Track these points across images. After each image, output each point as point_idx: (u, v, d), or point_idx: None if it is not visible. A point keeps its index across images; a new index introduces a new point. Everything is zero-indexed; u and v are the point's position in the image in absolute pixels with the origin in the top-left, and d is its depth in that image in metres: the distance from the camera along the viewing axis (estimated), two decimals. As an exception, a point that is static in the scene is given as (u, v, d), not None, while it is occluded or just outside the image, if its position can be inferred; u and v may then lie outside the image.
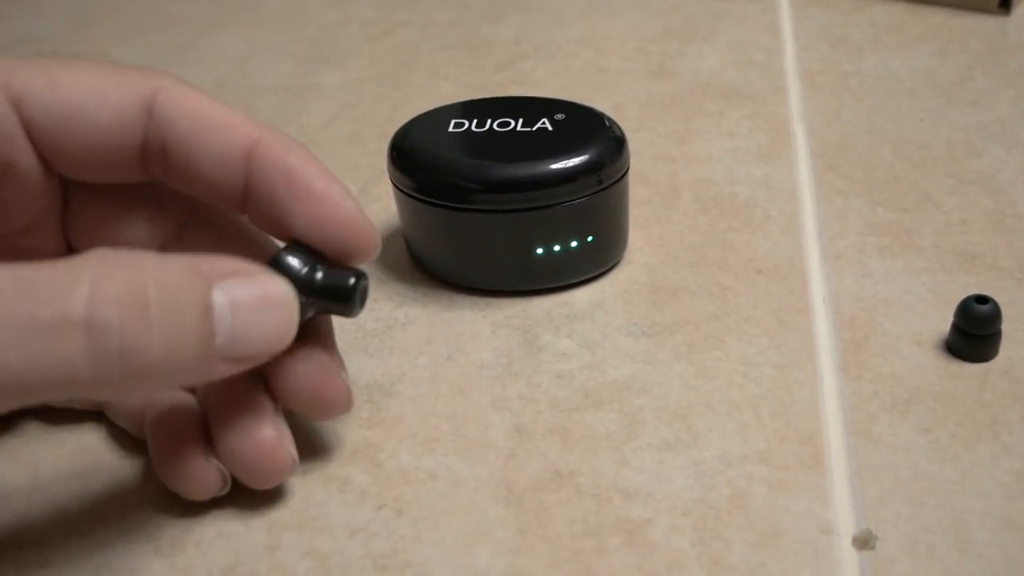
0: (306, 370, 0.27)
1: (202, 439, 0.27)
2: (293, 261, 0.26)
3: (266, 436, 0.26)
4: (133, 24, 0.59)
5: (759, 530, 0.26)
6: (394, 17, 0.57)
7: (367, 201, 0.40)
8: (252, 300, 0.24)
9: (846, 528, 0.26)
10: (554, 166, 0.32)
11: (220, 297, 0.23)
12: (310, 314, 0.27)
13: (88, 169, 0.27)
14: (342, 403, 0.27)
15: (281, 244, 0.27)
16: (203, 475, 0.27)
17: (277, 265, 0.26)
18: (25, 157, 0.26)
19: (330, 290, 0.26)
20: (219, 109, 0.27)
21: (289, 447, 0.27)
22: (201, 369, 0.23)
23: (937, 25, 0.51)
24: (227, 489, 0.27)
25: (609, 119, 0.35)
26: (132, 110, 0.26)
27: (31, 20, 0.61)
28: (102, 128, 0.26)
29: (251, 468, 0.27)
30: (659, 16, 0.55)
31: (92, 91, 0.25)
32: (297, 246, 0.27)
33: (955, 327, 0.31)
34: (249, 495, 0.28)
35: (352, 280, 0.27)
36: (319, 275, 0.26)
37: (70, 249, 0.29)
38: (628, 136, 0.35)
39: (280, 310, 0.24)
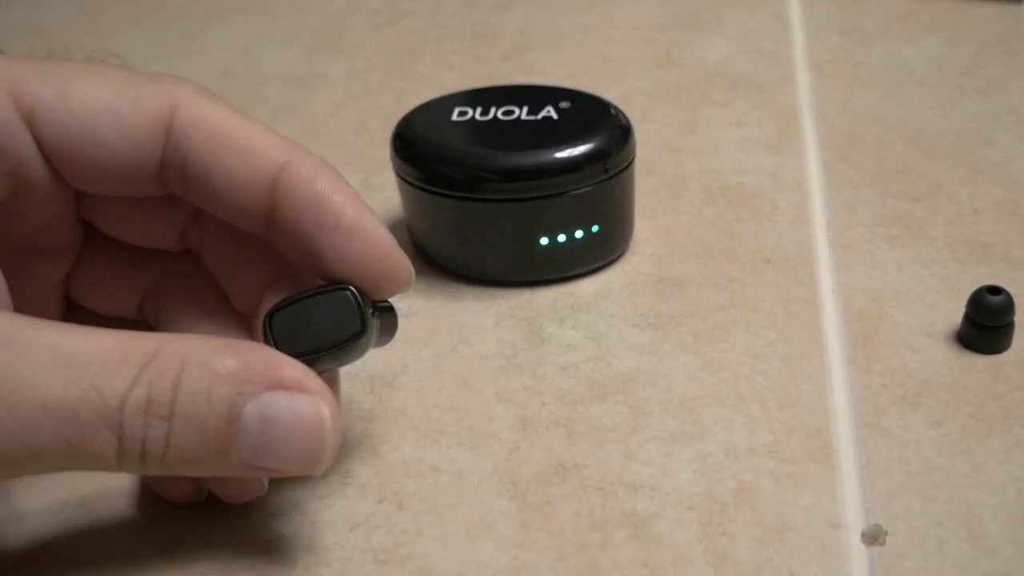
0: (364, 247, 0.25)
1: None
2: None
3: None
4: (138, 14, 0.59)
5: (766, 524, 0.26)
6: (400, 6, 0.57)
7: (370, 192, 0.40)
8: (285, 422, 0.22)
9: (855, 523, 0.26)
10: (559, 155, 0.32)
11: (252, 411, 0.22)
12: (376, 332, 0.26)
13: (103, 185, 0.25)
14: (405, 270, 0.26)
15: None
16: (183, 484, 0.27)
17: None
18: (40, 173, 0.25)
19: (386, 323, 0.26)
20: (242, 128, 0.25)
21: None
22: (222, 470, 0.23)
23: (948, 13, 0.51)
24: (203, 497, 0.27)
25: (615, 108, 0.34)
26: (148, 131, 0.24)
27: (36, 10, 0.60)
28: (116, 149, 0.24)
29: (224, 488, 0.27)
30: (667, 5, 0.54)
31: (106, 110, 0.24)
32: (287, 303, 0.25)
33: (967, 318, 0.30)
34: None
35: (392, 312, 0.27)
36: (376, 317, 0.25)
37: (87, 234, 0.28)
38: (634, 126, 0.35)
39: (312, 437, 0.23)
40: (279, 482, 0.28)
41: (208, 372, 0.22)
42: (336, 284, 0.25)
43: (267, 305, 0.27)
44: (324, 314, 0.24)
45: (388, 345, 0.32)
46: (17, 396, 0.21)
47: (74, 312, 0.28)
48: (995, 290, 0.30)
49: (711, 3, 0.54)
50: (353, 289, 0.24)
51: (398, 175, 0.34)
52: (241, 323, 0.28)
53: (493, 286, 0.34)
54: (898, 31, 0.50)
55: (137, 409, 0.21)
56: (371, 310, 0.25)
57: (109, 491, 0.28)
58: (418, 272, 0.35)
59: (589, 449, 0.28)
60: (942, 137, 0.41)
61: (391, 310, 0.27)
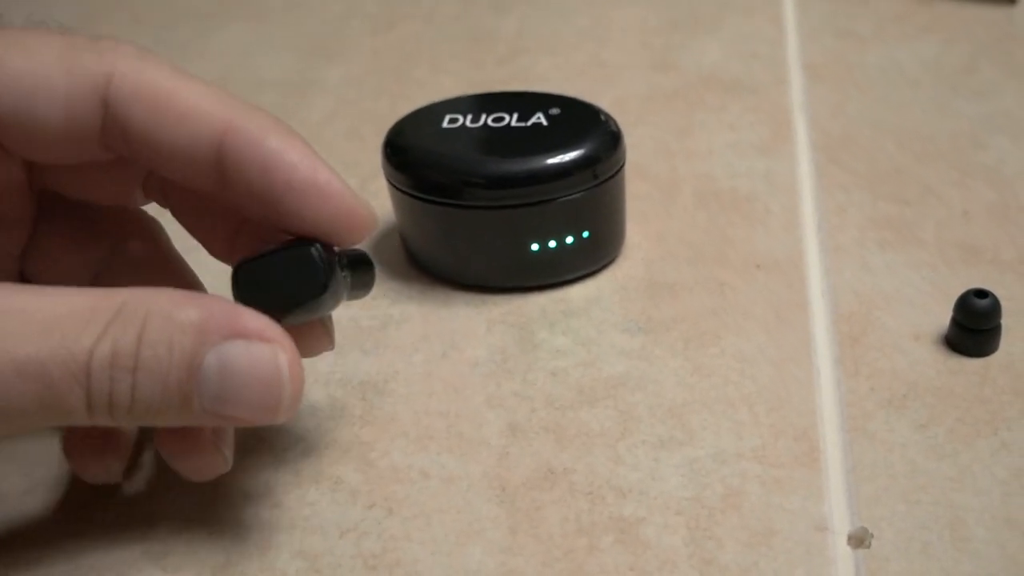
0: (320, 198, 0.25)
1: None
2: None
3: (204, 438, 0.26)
4: (138, 18, 0.59)
5: (752, 529, 0.26)
6: (397, 11, 0.57)
7: (365, 197, 0.40)
8: (242, 367, 0.23)
9: (841, 526, 0.26)
10: (549, 161, 0.32)
11: (212, 360, 0.23)
12: (347, 281, 0.26)
13: (47, 154, 0.25)
14: (366, 219, 0.26)
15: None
16: (210, 461, 0.27)
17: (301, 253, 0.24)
18: None
19: (359, 276, 0.26)
20: (182, 92, 0.24)
21: (225, 451, 0.27)
22: (184, 419, 0.23)
23: (943, 15, 0.51)
24: (228, 468, 0.27)
25: (605, 113, 0.35)
26: (84, 102, 0.24)
27: (35, 14, 0.61)
28: (53, 121, 0.24)
29: (188, 465, 0.27)
30: (663, 8, 0.54)
31: (40, 83, 0.24)
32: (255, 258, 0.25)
33: (954, 321, 0.31)
34: (242, 495, 0.28)
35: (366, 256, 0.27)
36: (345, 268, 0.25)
37: (42, 208, 0.28)
38: (628, 130, 0.35)
39: (270, 384, 0.23)
40: (268, 488, 0.28)
41: (170, 323, 0.22)
42: (302, 240, 0.25)
43: (238, 254, 0.27)
44: (289, 270, 0.24)
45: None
46: None
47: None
48: (982, 293, 0.30)
49: (706, 5, 0.54)
50: (318, 246, 0.24)
51: (389, 182, 0.34)
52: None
53: (484, 292, 0.34)
54: (892, 33, 0.50)
55: (103, 363, 0.22)
56: (340, 265, 0.25)
57: (99, 494, 0.28)
58: (409, 279, 0.36)
59: (578, 454, 0.28)
60: (935, 140, 0.41)
61: (366, 263, 0.27)
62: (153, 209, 0.30)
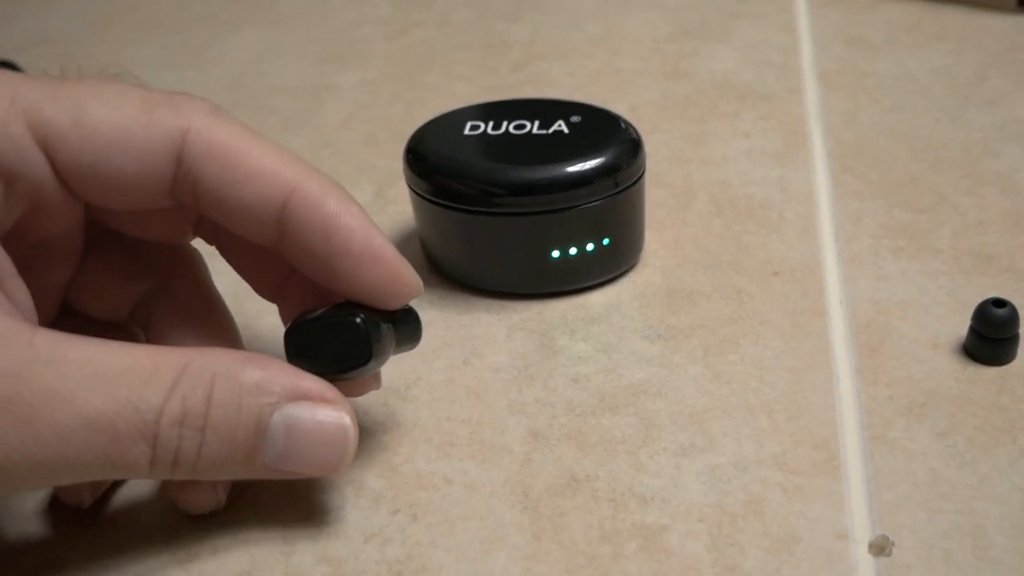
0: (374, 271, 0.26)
1: None
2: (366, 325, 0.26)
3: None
4: (150, 24, 0.59)
5: (774, 536, 0.26)
6: (410, 16, 0.57)
7: (383, 204, 0.40)
8: (309, 429, 0.25)
9: (862, 534, 0.26)
10: (570, 169, 0.32)
11: (278, 420, 0.24)
12: (391, 351, 0.27)
13: (116, 201, 0.26)
14: (413, 286, 0.27)
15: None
16: (202, 496, 0.27)
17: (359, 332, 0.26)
18: (54, 193, 0.25)
19: (405, 324, 0.28)
20: (252, 152, 0.26)
21: (220, 492, 0.28)
22: (246, 473, 0.25)
23: (954, 24, 0.51)
24: (221, 507, 0.28)
25: (625, 121, 0.35)
26: (160, 156, 0.25)
27: (48, 20, 0.61)
28: (129, 173, 0.25)
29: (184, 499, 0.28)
30: (675, 15, 0.55)
31: (118, 136, 0.25)
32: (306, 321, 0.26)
33: (972, 330, 0.31)
34: (266, 501, 0.28)
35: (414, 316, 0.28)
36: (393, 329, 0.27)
37: (89, 239, 0.28)
38: (643, 138, 0.35)
39: (336, 443, 0.25)
40: (292, 494, 0.28)
41: (237, 384, 0.24)
42: (350, 308, 0.26)
43: (285, 299, 0.29)
44: (338, 338, 0.26)
45: (401, 356, 0.32)
46: (58, 412, 0.22)
47: (67, 316, 0.29)
48: (1000, 303, 0.30)
49: (718, 13, 0.54)
50: (363, 317, 0.26)
51: (411, 189, 0.35)
52: (227, 338, 0.29)
53: (505, 298, 0.35)
54: (904, 42, 0.50)
55: (173, 422, 0.23)
56: (392, 321, 0.27)
57: (125, 500, 0.28)
58: (431, 284, 0.36)
59: (600, 461, 0.29)
60: (948, 148, 0.41)
61: (412, 320, 0.28)
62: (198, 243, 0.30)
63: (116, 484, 0.29)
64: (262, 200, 0.26)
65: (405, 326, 0.28)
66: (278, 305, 0.30)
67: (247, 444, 0.24)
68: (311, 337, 0.26)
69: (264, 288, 0.30)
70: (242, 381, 0.24)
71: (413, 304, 0.29)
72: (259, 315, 0.34)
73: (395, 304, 0.27)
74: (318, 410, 0.25)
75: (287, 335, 0.26)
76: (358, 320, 0.26)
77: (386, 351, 0.27)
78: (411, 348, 0.29)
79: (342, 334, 0.26)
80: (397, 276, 0.26)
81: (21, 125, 0.24)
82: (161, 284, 0.29)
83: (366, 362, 0.26)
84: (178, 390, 0.23)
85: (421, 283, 0.27)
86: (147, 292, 0.29)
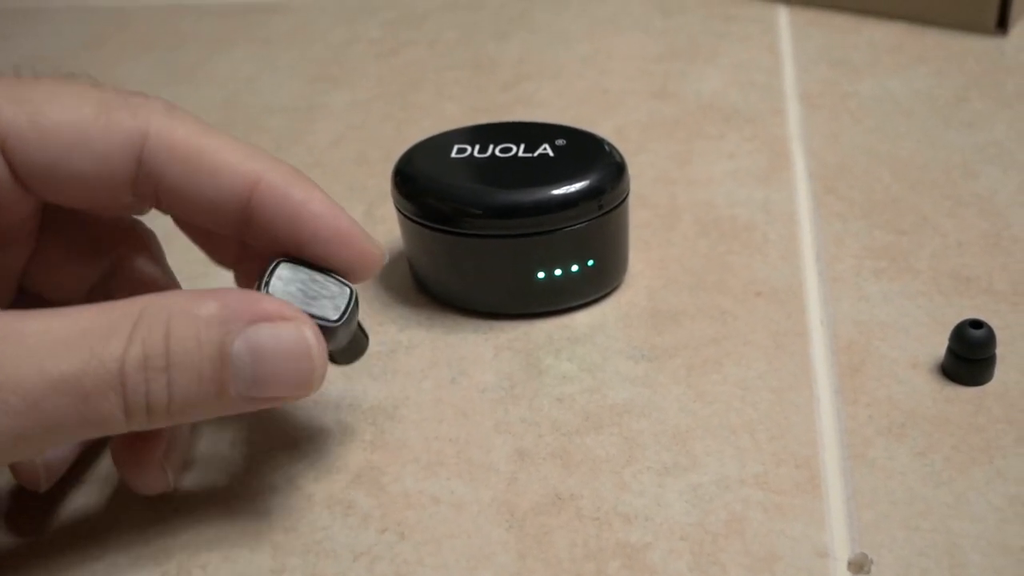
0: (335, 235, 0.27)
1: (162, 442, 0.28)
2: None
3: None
4: (142, 42, 0.60)
5: (756, 554, 0.27)
6: (400, 36, 0.58)
7: (372, 223, 0.41)
8: (272, 348, 0.24)
9: (842, 552, 0.27)
10: (555, 192, 0.33)
11: (240, 346, 0.24)
12: (346, 340, 0.28)
13: (75, 201, 0.27)
14: (378, 259, 0.28)
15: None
16: (156, 478, 0.28)
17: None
18: (11, 192, 0.26)
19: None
20: (212, 148, 0.26)
21: (169, 471, 0.28)
22: (221, 409, 0.25)
23: (935, 45, 0.52)
24: (171, 488, 0.29)
25: (609, 144, 0.35)
26: (119, 157, 0.25)
27: (41, 38, 0.62)
28: (88, 174, 0.25)
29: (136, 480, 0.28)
30: (662, 36, 0.55)
31: (77, 138, 0.25)
32: (296, 261, 0.27)
33: (950, 351, 0.31)
34: (255, 519, 0.28)
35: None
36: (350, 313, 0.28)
37: (44, 220, 0.29)
38: (630, 158, 0.36)
39: (300, 357, 0.25)
40: (283, 512, 0.29)
41: (193, 318, 0.24)
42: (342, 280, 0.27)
43: (243, 265, 0.30)
44: (320, 291, 0.27)
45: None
46: (25, 380, 0.22)
47: (23, 299, 0.30)
48: (977, 324, 0.31)
49: (705, 34, 0.55)
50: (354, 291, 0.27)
51: (399, 210, 0.35)
52: None
53: (492, 318, 0.35)
54: (887, 63, 0.51)
55: (136, 366, 0.23)
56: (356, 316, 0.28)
57: (119, 522, 0.29)
58: (418, 305, 0.36)
59: (584, 480, 0.29)
60: (928, 169, 0.42)
61: (363, 335, 0.30)
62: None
63: (74, 470, 0.30)
64: (226, 195, 0.26)
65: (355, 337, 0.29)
66: (234, 272, 0.31)
67: (215, 376, 0.24)
68: (297, 274, 0.27)
69: (221, 258, 0.30)
70: (197, 314, 0.24)
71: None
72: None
73: (361, 276, 0.28)
74: (278, 327, 0.25)
75: (276, 262, 0.27)
76: (349, 288, 0.27)
77: (346, 332, 0.27)
78: (351, 362, 0.30)
79: (328, 289, 0.27)
80: (365, 253, 0.28)
81: None
82: (116, 264, 0.30)
83: (336, 321, 0.27)
84: (136, 335, 0.23)
85: (385, 252, 0.28)
86: (103, 273, 0.30)
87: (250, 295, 0.25)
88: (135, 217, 0.31)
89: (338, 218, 0.27)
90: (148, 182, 0.26)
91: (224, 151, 0.26)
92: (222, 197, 0.26)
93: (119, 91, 0.26)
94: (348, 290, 0.27)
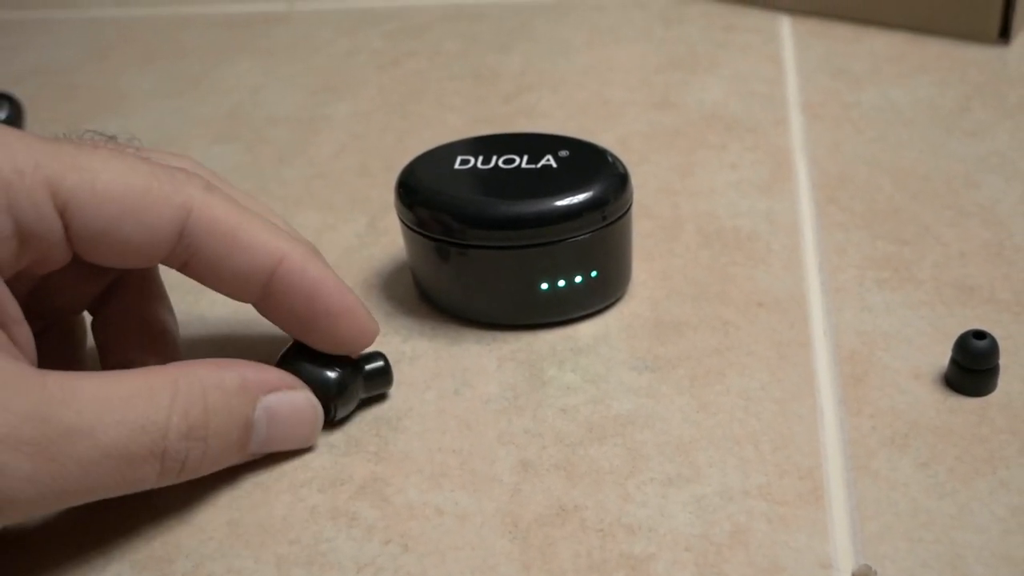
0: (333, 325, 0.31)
1: None
2: (331, 374, 0.31)
3: None
4: (147, 54, 0.60)
5: (759, 565, 0.27)
6: (402, 47, 0.58)
7: (375, 235, 0.41)
8: (287, 414, 0.29)
9: (845, 563, 0.27)
10: (558, 203, 0.33)
11: (260, 412, 0.29)
12: (357, 401, 0.32)
13: (116, 262, 0.28)
14: (374, 333, 0.31)
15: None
16: None
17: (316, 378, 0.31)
18: (62, 253, 0.27)
19: (376, 377, 0.32)
20: (246, 226, 0.29)
21: None
22: (235, 462, 0.29)
23: (937, 55, 0.52)
24: None
25: (612, 155, 0.36)
26: (164, 229, 0.28)
27: (46, 50, 0.62)
28: (135, 242, 0.28)
29: None
30: (663, 46, 0.55)
31: (130, 208, 0.27)
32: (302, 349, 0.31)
33: (953, 362, 0.31)
34: (260, 531, 0.28)
35: (383, 362, 0.32)
36: (360, 373, 0.32)
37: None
38: (632, 169, 0.36)
39: (308, 422, 0.30)
40: (286, 524, 0.29)
41: (224, 391, 0.28)
42: (327, 359, 0.31)
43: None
44: (312, 380, 0.31)
45: (392, 387, 0.33)
46: (80, 447, 0.24)
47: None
48: (980, 334, 0.31)
49: (706, 44, 0.55)
50: (335, 379, 0.31)
51: (402, 221, 0.35)
52: (169, 328, 0.33)
53: (495, 329, 0.35)
54: (888, 73, 0.51)
55: (179, 436, 0.26)
56: (358, 377, 0.32)
57: (124, 534, 0.29)
58: (421, 316, 0.36)
59: (588, 491, 0.29)
60: (930, 179, 0.42)
61: (384, 371, 0.32)
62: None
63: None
64: (254, 269, 0.29)
65: (376, 374, 0.32)
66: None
67: (240, 439, 0.28)
68: (293, 373, 0.31)
69: (232, 294, 0.31)
70: (227, 387, 0.28)
71: (404, 337, 0.30)
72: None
73: (358, 350, 0.31)
74: (290, 396, 0.29)
75: (279, 363, 0.31)
76: (332, 388, 0.31)
77: (350, 403, 0.32)
78: (384, 391, 0.33)
79: (315, 389, 0.30)
80: (365, 328, 0.31)
81: (44, 192, 0.26)
82: (117, 277, 0.32)
83: (332, 419, 0.31)
84: (178, 405, 0.26)
85: (379, 327, 0.32)
86: (107, 284, 0.32)
87: (259, 366, 0.29)
88: None
89: (345, 295, 0.30)
90: (184, 252, 0.28)
91: (255, 230, 0.29)
92: (250, 271, 0.29)
93: (164, 165, 0.29)
94: (328, 383, 0.31)
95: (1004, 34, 0.52)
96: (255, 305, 0.30)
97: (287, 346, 0.32)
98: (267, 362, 0.34)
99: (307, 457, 0.31)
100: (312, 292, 0.30)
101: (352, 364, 0.31)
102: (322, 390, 0.30)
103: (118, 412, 0.25)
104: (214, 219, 0.28)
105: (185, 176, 0.28)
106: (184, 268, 0.29)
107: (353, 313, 0.30)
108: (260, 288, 0.29)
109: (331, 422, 0.31)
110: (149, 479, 0.26)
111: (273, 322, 0.31)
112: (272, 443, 0.30)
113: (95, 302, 0.32)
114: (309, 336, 0.30)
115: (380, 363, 0.32)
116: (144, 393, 0.26)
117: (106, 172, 0.27)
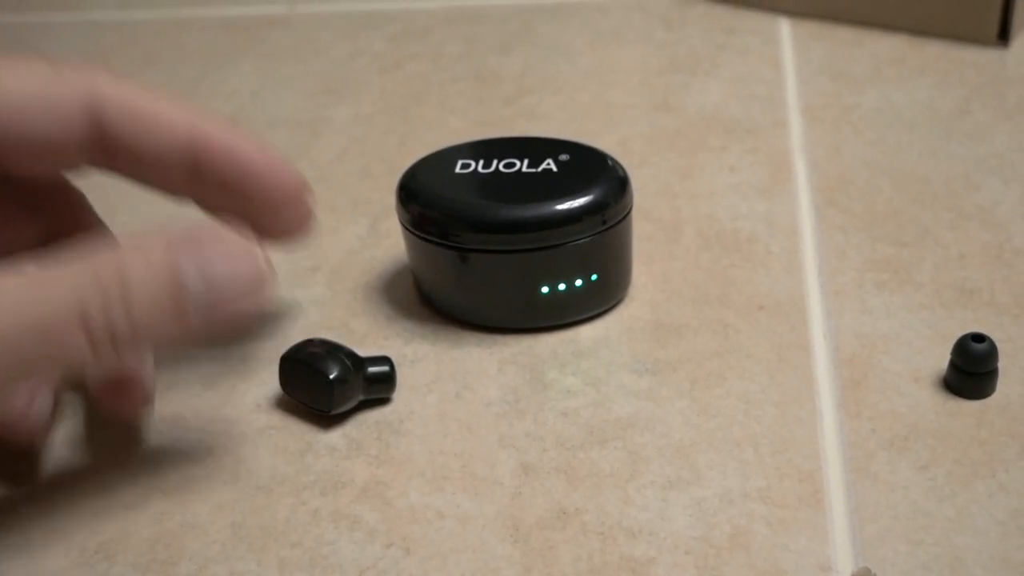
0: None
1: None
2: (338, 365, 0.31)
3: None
4: (147, 57, 0.60)
5: (760, 568, 0.27)
6: (403, 50, 0.58)
7: (377, 238, 0.41)
8: (218, 256, 0.27)
9: (845, 566, 0.27)
10: (559, 207, 0.33)
11: (187, 264, 0.26)
12: (358, 399, 0.32)
13: (29, 166, 0.28)
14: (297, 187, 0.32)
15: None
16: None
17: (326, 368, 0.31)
18: None
19: (379, 380, 0.32)
20: (158, 104, 0.29)
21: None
22: (183, 327, 0.27)
23: (937, 57, 0.52)
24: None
25: (612, 159, 0.36)
26: (74, 115, 0.28)
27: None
28: (46, 132, 0.27)
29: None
30: (664, 49, 0.56)
31: (36, 95, 0.27)
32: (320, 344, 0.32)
33: (952, 365, 0.32)
34: (262, 534, 0.29)
35: (388, 367, 0.33)
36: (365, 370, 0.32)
37: None
38: (632, 172, 0.36)
39: (245, 259, 0.27)
40: (288, 528, 0.29)
41: (142, 252, 0.26)
42: (335, 352, 0.32)
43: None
44: (311, 381, 0.31)
45: (395, 392, 0.33)
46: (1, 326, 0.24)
47: None
48: (979, 337, 0.31)
49: (706, 47, 0.55)
50: (335, 375, 0.31)
51: (403, 225, 0.35)
52: None
53: (495, 332, 0.35)
54: (888, 75, 0.51)
55: (97, 304, 0.25)
56: (359, 375, 0.32)
57: (125, 537, 0.29)
58: (422, 319, 0.36)
59: (589, 494, 0.29)
60: (930, 182, 0.42)
61: (388, 376, 0.33)
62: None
63: (78, 477, 0.31)
64: (174, 146, 0.29)
65: (380, 378, 0.32)
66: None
67: (171, 296, 0.26)
68: (294, 370, 0.32)
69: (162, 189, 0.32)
70: (144, 246, 0.26)
71: (397, 348, 0.31)
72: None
73: (292, 208, 0.32)
74: (215, 233, 0.27)
75: (281, 360, 0.32)
76: (331, 376, 0.31)
77: (350, 398, 0.32)
78: (387, 395, 0.33)
79: (315, 380, 0.31)
80: (294, 196, 0.32)
81: None
82: (53, 223, 0.32)
83: (328, 411, 0.31)
84: (93, 275, 0.25)
85: (306, 182, 0.32)
86: (41, 232, 0.32)
87: (186, 225, 0.27)
88: (67, 178, 0.32)
89: (269, 153, 0.30)
90: (101, 142, 0.28)
91: (167, 107, 0.29)
92: (171, 150, 0.29)
93: (63, 61, 0.29)
94: (329, 376, 0.31)
95: (1003, 36, 0.52)
96: (193, 199, 0.30)
97: (289, 346, 0.32)
98: (268, 367, 0.34)
99: (309, 460, 0.31)
100: (236, 156, 0.30)
101: (356, 363, 0.32)
102: (321, 377, 0.31)
103: (36, 293, 0.25)
104: (124, 99, 0.28)
105: (90, 67, 0.29)
106: (106, 163, 0.29)
107: (280, 171, 0.31)
108: (187, 170, 0.29)
109: (328, 415, 0.31)
110: (81, 349, 0.25)
111: (214, 211, 0.31)
112: (215, 295, 0.27)
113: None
114: (249, 208, 0.30)
115: (385, 367, 0.32)
116: (63, 271, 0.25)
117: (5, 69, 0.27)
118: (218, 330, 0.27)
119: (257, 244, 0.27)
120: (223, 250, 0.27)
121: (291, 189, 0.31)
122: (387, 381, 0.32)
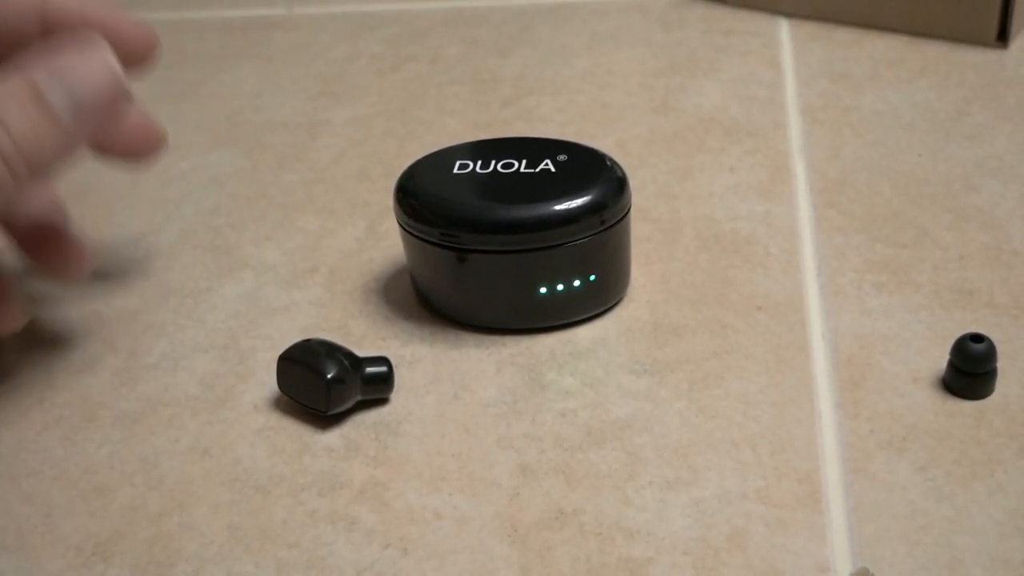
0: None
1: None
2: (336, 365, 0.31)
3: None
4: (146, 60, 0.60)
5: (758, 569, 0.27)
6: (402, 52, 0.58)
7: (375, 239, 0.41)
8: (70, 66, 0.29)
9: (843, 566, 0.27)
10: (557, 207, 0.33)
11: (44, 77, 0.28)
12: (355, 400, 0.32)
13: None
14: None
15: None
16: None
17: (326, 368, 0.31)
18: None
19: (376, 380, 0.32)
20: None
21: None
22: (66, 134, 0.29)
23: (936, 58, 0.52)
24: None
25: (611, 160, 0.36)
26: None
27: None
28: None
29: None
30: (662, 50, 0.56)
31: None
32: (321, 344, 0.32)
33: (951, 365, 0.32)
34: (260, 535, 0.29)
35: (386, 367, 0.32)
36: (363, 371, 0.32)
37: None
38: (631, 173, 0.36)
39: (95, 58, 0.29)
40: (284, 528, 0.29)
41: (9, 76, 0.28)
42: (333, 353, 0.32)
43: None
44: (308, 380, 0.31)
45: (392, 391, 0.33)
46: None
47: None
48: (978, 338, 0.31)
49: (706, 48, 0.55)
50: (332, 375, 0.31)
51: (401, 226, 0.35)
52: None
53: (494, 333, 0.35)
54: (888, 77, 0.51)
55: None
56: (356, 376, 0.32)
57: (123, 537, 0.29)
58: (421, 320, 0.36)
59: (587, 495, 0.29)
60: (929, 183, 0.42)
61: (385, 377, 0.33)
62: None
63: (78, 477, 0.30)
64: (26, 17, 0.31)
65: (378, 378, 0.32)
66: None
67: (37, 107, 0.28)
68: (292, 370, 0.32)
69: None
70: (9, 74, 0.28)
71: (393, 353, 0.32)
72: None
73: (143, 48, 0.34)
74: (64, 38, 0.29)
75: (279, 360, 0.32)
76: (329, 376, 0.31)
77: (347, 398, 0.32)
78: (385, 395, 0.33)
79: (313, 380, 0.31)
80: (150, 46, 0.34)
81: None
82: None
83: (325, 412, 0.31)
84: None
85: (155, 32, 0.34)
86: None
87: (42, 44, 0.30)
88: None
89: (116, 10, 0.32)
90: None
91: None
92: (21, 20, 0.31)
93: None
94: (327, 376, 0.31)
95: (1002, 37, 0.52)
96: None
97: (289, 345, 0.32)
98: (266, 367, 0.34)
99: (306, 461, 0.31)
100: (88, 18, 0.32)
101: (354, 363, 0.32)
102: (318, 377, 0.31)
103: None
104: None
105: None
106: None
107: (131, 21, 0.33)
108: (36, 26, 0.31)
109: (326, 416, 0.32)
110: None
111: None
112: (81, 104, 0.29)
113: None
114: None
115: (383, 368, 0.32)
116: None
117: None
118: (98, 135, 0.31)
119: (108, 49, 0.30)
120: (74, 57, 0.29)
121: (146, 40, 0.33)
122: (385, 381, 0.32)
